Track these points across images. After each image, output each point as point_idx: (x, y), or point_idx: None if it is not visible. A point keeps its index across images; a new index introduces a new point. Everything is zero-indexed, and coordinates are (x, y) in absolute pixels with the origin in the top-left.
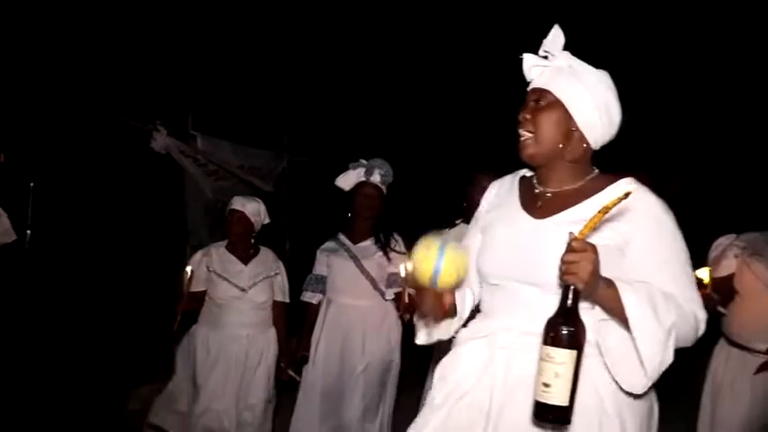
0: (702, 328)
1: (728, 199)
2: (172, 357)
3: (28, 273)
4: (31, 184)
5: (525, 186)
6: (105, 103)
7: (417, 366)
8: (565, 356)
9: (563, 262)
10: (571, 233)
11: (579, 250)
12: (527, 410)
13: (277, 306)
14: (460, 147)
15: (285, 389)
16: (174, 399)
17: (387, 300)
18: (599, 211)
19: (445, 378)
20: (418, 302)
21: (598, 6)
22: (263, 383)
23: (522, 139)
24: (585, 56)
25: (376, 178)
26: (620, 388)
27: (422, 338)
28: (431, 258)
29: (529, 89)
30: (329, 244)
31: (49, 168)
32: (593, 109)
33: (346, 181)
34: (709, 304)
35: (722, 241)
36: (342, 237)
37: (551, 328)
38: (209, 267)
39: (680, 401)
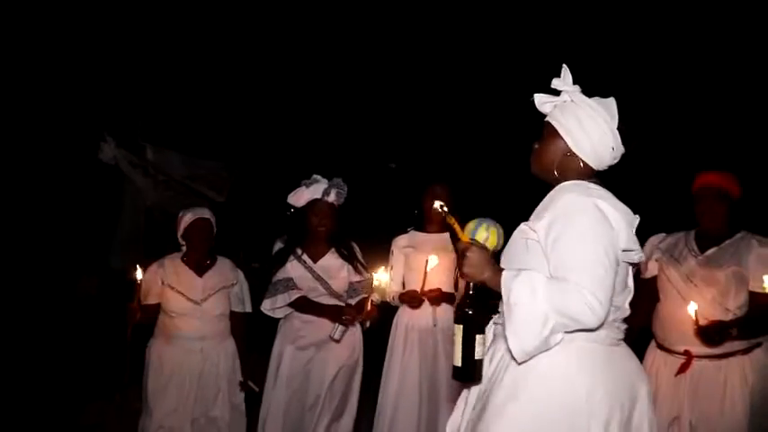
0: (592, 312)
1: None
2: (125, 371)
3: None
4: None
5: None
6: (53, 113)
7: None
8: (457, 329)
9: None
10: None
11: (462, 251)
12: None
13: (234, 316)
14: (412, 155)
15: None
16: None
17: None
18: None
19: None
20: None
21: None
22: (225, 395)
23: (532, 161)
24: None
25: (332, 197)
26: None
27: None
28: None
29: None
30: (292, 264)
31: None
32: (584, 139)
33: (300, 198)
34: None
35: (652, 241)
36: (304, 256)
37: (456, 308)
38: (164, 280)
39: None
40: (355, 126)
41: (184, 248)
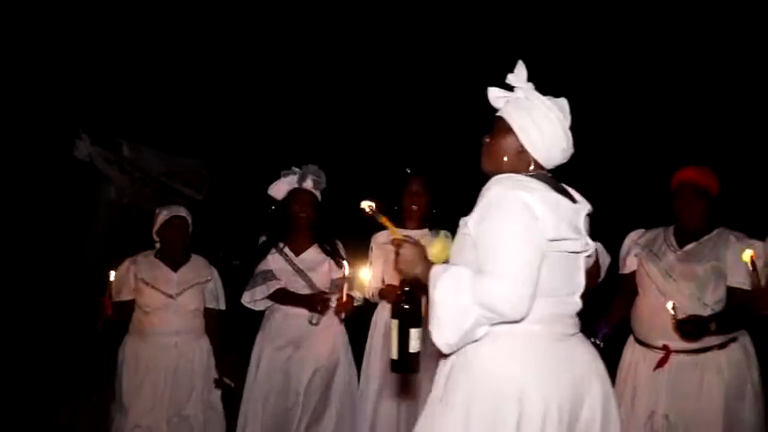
0: (510, 304)
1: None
2: (101, 372)
3: None
4: None
5: None
6: (28, 110)
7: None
8: (393, 324)
9: None
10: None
11: (396, 248)
12: None
13: (208, 313)
14: (391, 151)
15: (227, 399)
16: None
17: (331, 305)
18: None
19: None
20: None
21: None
22: (198, 393)
23: (482, 156)
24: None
25: (309, 184)
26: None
27: None
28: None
29: (496, 115)
30: (272, 255)
31: None
32: (537, 136)
33: (279, 189)
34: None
35: (631, 236)
36: (286, 249)
37: (393, 303)
38: (137, 275)
39: None
40: (338, 125)
41: (158, 245)
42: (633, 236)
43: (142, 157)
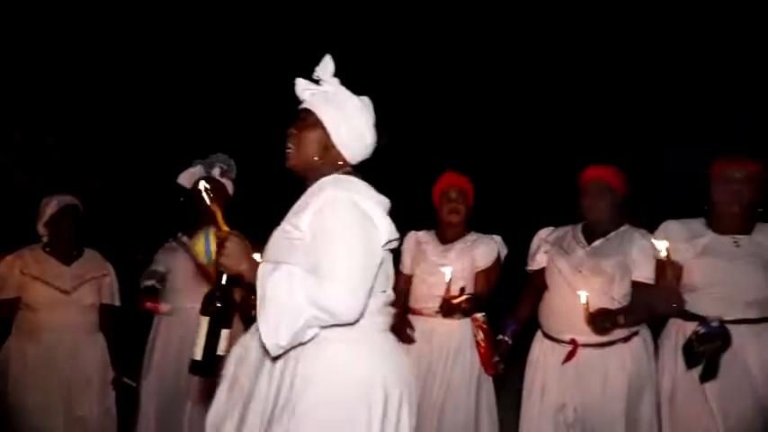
0: (347, 307)
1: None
2: None
3: None
4: None
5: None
6: None
7: None
8: (203, 322)
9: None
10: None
11: (221, 240)
12: None
13: (104, 309)
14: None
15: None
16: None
17: (161, 307)
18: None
19: None
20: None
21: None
22: (93, 393)
23: (287, 151)
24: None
25: (216, 172)
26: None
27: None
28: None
29: (300, 107)
30: (169, 244)
31: None
32: (346, 132)
33: (187, 178)
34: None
35: (540, 234)
36: (183, 237)
37: (204, 300)
38: (23, 270)
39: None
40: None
41: (45, 239)
42: (542, 233)
43: (38, 143)
